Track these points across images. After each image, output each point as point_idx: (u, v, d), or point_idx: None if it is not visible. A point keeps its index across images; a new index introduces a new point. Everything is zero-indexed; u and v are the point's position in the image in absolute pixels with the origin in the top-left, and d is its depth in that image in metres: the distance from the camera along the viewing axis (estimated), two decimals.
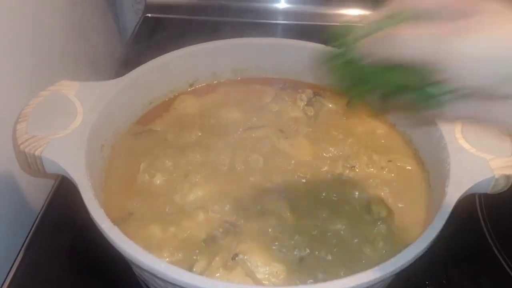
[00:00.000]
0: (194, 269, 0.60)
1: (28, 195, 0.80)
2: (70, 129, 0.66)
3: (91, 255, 0.70)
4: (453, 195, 0.60)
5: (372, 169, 0.73)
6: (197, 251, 0.62)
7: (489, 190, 0.63)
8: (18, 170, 0.76)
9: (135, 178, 0.71)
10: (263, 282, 0.59)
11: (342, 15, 1.24)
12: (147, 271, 0.54)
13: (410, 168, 0.73)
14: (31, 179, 0.79)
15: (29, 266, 0.71)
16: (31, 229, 0.75)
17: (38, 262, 0.71)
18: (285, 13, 1.24)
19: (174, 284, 0.53)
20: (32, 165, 0.63)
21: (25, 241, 0.73)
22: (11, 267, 0.70)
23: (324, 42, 0.84)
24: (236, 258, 0.61)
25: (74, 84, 0.71)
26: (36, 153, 0.62)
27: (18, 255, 0.72)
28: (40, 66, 0.83)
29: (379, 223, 0.66)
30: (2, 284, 0.68)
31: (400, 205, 0.69)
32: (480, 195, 0.80)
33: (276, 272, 0.60)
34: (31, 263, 0.71)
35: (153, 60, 0.80)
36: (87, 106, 0.69)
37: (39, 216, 0.77)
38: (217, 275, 0.59)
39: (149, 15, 1.23)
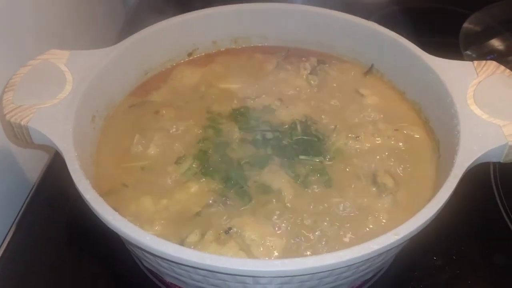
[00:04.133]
0: (186, 243, 0.57)
1: (22, 168, 0.78)
2: (58, 98, 0.63)
3: (85, 229, 0.67)
4: (462, 163, 0.56)
5: (378, 139, 0.69)
6: (190, 224, 0.59)
7: (502, 158, 0.59)
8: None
9: (128, 150, 0.68)
10: (258, 256, 0.56)
11: None
12: (133, 244, 0.51)
13: (418, 136, 0.69)
14: (25, 152, 0.77)
15: (21, 240, 0.69)
16: (24, 202, 0.74)
17: (31, 235, 0.70)
18: None
19: (162, 258, 0.51)
20: (19, 135, 0.61)
21: (18, 214, 0.72)
22: (3, 242, 0.69)
23: (329, 7, 0.80)
24: (230, 232, 0.58)
25: (64, 53, 0.69)
26: (22, 123, 0.60)
27: (11, 227, 0.70)
28: (37, 34, 0.80)
29: (384, 195, 0.62)
30: None
31: (407, 176, 0.65)
32: (494, 164, 0.75)
33: (272, 247, 0.57)
34: (24, 237, 0.70)
35: (149, 27, 0.77)
36: (77, 76, 0.66)
37: (33, 189, 0.76)
38: (209, 249, 0.56)
39: None
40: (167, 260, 0.50)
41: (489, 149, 0.57)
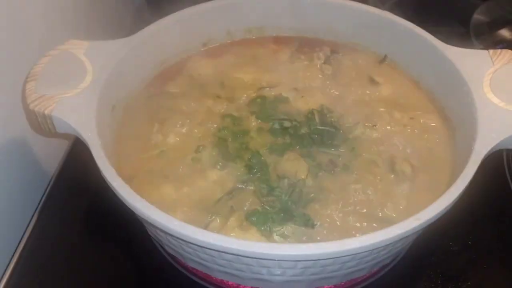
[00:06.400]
0: (209, 229, 0.58)
1: (42, 157, 0.79)
2: (80, 88, 0.64)
3: (106, 217, 0.69)
4: (480, 150, 0.57)
5: (394, 127, 0.70)
6: (212, 211, 0.60)
7: None
8: (31, 132, 0.75)
9: (148, 139, 0.69)
10: (279, 242, 0.57)
11: None
12: (160, 230, 0.52)
13: (434, 124, 0.70)
14: (44, 141, 0.78)
15: (43, 229, 0.70)
16: (45, 192, 0.75)
17: (53, 224, 0.71)
18: None
19: (187, 242, 0.52)
20: (43, 124, 0.62)
21: (39, 204, 0.73)
22: (26, 230, 0.70)
23: None
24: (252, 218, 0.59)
25: (83, 43, 0.69)
26: (46, 112, 0.61)
27: (32, 217, 0.71)
28: (53, 25, 0.81)
29: (402, 182, 0.63)
30: (17, 246, 0.68)
31: (425, 163, 0.65)
32: (508, 151, 0.76)
33: (293, 233, 0.58)
34: (46, 226, 0.71)
35: (164, 18, 0.77)
36: (96, 65, 0.67)
37: (53, 178, 0.77)
38: (232, 234, 0.57)
39: None
40: (195, 245, 0.51)
41: (507, 136, 0.58)
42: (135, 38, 0.73)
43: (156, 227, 0.53)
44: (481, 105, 0.62)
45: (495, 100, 0.62)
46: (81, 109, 0.62)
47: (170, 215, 0.53)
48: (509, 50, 0.67)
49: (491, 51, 0.68)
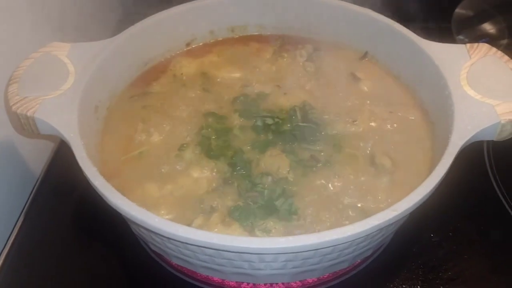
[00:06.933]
0: (193, 225, 0.59)
1: (28, 159, 0.80)
2: (62, 89, 0.65)
3: (92, 217, 0.70)
4: (457, 142, 0.58)
5: (374, 122, 0.71)
6: (195, 208, 0.61)
7: (495, 136, 0.61)
8: (17, 134, 0.75)
9: (132, 138, 0.70)
10: (261, 236, 0.58)
11: None
12: (142, 227, 0.53)
13: (413, 118, 0.71)
14: (30, 142, 0.79)
15: (30, 230, 0.71)
16: (31, 192, 0.75)
17: (39, 225, 0.71)
18: None
19: (169, 239, 0.53)
20: (26, 126, 0.63)
21: (25, 205, 0.73)
22: (12, 231, 0.70)
23: None
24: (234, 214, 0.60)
25: (65, 45, 0.70)
26: (28, 113, 0.61)
27: (18, 218, 0.72)
28: (36, 28, 0.81)
29: (382, 175, 0.64)
30: (3, 248, 0.68)
31: (404, 157, 0.66)
32: (488, 143, 0.78)
33: (275, 228, 0.59)
34: (32, 226, 0.71)
35: (147, 18, 0.78)
36: (79, 67, 0.68)
37: (39, 180, 0.77)
38: (215, 230, 0.58)
39: None
40: (176, 240, 0.52)
41: (482, 128, 0.59)
42: (118, 39, 0.74)
43: (138, 224, 0.53)
44: (457, 98, 0.63)
45: (472, 93, 0.63)
46: (64, 110, 0.62)
47: (153, 213, 0.54)
48: (486, 44, 0.68)
49: (468, 45, 0.69)
